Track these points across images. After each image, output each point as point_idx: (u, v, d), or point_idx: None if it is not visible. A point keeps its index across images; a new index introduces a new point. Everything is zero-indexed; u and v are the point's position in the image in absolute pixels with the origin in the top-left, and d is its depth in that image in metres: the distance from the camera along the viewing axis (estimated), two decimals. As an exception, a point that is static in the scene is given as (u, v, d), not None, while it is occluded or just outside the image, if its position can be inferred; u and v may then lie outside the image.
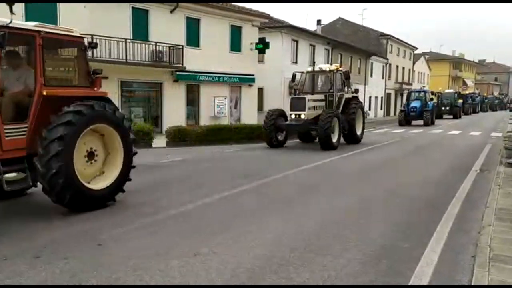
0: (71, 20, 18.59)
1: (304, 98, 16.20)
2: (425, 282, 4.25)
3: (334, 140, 15.71)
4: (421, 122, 31.89)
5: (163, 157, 13.60)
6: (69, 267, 4.58)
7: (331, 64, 17.65)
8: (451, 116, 43.58)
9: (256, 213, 6.85)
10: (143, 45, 20.79)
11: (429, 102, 34.03)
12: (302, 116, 15.93)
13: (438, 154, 15.12)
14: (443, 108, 44.04)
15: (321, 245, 5.29)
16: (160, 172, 11.07)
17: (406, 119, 32.52)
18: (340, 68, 17.73)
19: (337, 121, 15.96)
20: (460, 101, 48.08)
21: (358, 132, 18.17)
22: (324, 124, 15.14)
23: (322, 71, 18.10)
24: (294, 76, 18.09)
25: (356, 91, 19.43)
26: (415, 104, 33.12)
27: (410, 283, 4.22)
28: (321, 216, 6.62)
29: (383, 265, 4.68)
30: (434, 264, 4.68)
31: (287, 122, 16.59)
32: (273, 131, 16.50)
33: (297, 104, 16.17)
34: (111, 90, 19.87)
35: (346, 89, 18.03)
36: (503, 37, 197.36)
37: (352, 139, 17.70)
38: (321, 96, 17.21)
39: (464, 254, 5.01)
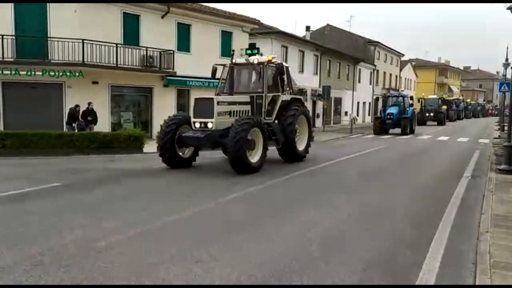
0: (62, 24, 18.49)
1: (212, 99, 11.54)
2: (428, 289, 4.28)
3: (255, 159, 11.49)
4: (398, 130, 28.37)
5: (156, 162, 13.48)
6: (69, 275, 4.51)
7: (261, 55, 12.81)
8: (436, 123, 42.54)
9: (252, 221, 6.83)
10: (134, 50, 20.68)
11: (408, 108, 30.09)
12: (210, 125, 11.34)
13: (428, 161, 15.29)
14: (427, 114, 43.36)
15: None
16: (156, 177, 10.99)
17: (382, 127, 28.66)
18: (274, 60, 12.98)
19: (259, 132, 11.62)
20: (445, 107, 47.35)
21: (300, 147, 13.84)
22: (235, 135, 10.70)
23: (247, 64, 13.28)
24: (214, 70, 13.54)
25: (301, 91, 15.87)
26: (392, 110, 29.11)
27: (413, 290, 4.24)
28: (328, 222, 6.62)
29: (386, 273, 4.70)
30: (436, 272, 4.72)
31: (186, 134, 11.87)
32: (171, 145, 11.89)
33: (202, 108, 11.59)
34: (101, 95, 19.91)
35: (283, 88, 13.41)
36: (487, 45, 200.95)
37: (291, 155, 13.38)
38: (244, 98, 12.68)
39: (465, 261, 5.06)
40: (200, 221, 6.76)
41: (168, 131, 11.85)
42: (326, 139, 24.63)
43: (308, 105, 35.89)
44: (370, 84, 51.18)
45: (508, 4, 14.08)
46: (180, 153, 12.32)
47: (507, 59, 28.13)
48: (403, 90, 54.58)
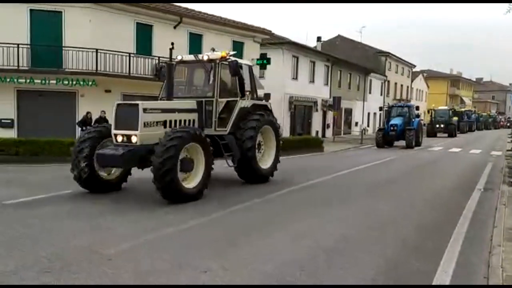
0: (76, 34, 18.81)
1: (136, 105, 8.75)
2: (439, 303, 4.23)
3: (192, 183, 8.84)
4: (403, 143, 26.53)
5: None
6: (78, 282, 4.54)
7: (213, 50, 10.67)
8: (446, 135, 41.01)
9: (259, 229, 6.82)
10: (147, 59, 20.93)
11: (413, 120, 28.09)
12: (134, 139, 8.67)
13: (440, 173, 15.15)
14: (437, 126, 42.00)
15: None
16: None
17: (385, 140, 26.83)
18: (229, 57, 10.38)
19: (199, 148, 8.92)
20: (455, 118, 46.16)
21: (265, 164, 11.42)
22: (161, 153, 8.13)
23: (196, 62, 10.82)
24: (159, 69, 11.49)
25: (266, 96, 12.96)
26: (396, 121, 27.09)
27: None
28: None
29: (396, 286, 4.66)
30: (447, 285, 4.67)
31: (100, 150, 9.07)
32: (88, 164, 9.11)
33: (124, 117, 8.97)
34: (114, 103, 20.06)
35: (242, 93, 10.78)
36: (500, 56, 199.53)
37: (251, 175, 11.01)
38: (188, 104, 10.10)
39: (477, 274, 5.00)
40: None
41: (82, 148, 9.12)
42: (336, 149, 24.58)
43: (319, 115, 36.13)
44: (381, 95, 51.07)
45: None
46: (103, 173, 9.59)
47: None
48: (409, 101, 54.00)
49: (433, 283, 4.69)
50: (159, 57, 21.16)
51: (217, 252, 5.55)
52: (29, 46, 18.57)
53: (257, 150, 11.09)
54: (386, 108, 30.02)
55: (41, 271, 4.78)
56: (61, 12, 19.07)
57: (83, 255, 5.37)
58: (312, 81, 34.86)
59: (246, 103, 10.96)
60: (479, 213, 8.30)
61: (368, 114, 47.15)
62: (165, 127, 9.15)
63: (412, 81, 63.53)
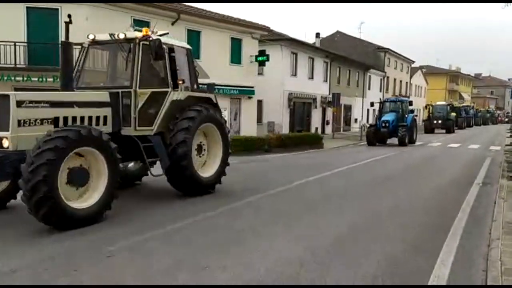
0: (73, 31, 18.70)
1: (7, 97, 6.60)
2: (438, 296, 4.22)
3: (87, 202, 6.73)
4: (396, 140, 25.11)
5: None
6: (78, 280, 4.53)
7: (133, 28, 8.70)
8: (444, 131, 40.57)
9: (261, 227, 6.81)
10: (144, 56, 20.84)
11: (407, 115, 26.52)
12: (5, 144, 6.53)
13: (439, 168, 15.15)
14: (435, 121, 41.48)
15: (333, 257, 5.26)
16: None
17: (376, 137, 25.33)
18: (152, 35, 8.25)
19: (98, 155, 6.88)
20: (454, 114, 45.65)
21: (208, 172, 9.32)
22: (32, 161, 6.09)
23: (113, 42, 8.49)
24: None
25: (210, 87, 10.77)
26: (388, 117, 25.58)
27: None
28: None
29: (396, 278, 4.65)
30: (446, 279, 4.66)
31: None
32: None
33: None
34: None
35: (175, 82, 8.60)
36: (499, 52, 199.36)
37: (187, 186, 8.85)
38: (98, 96, 7.93)
39: (475, 268, 4.99)
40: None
41: None
42: (336, 146, 24.59)
43: (318, 112, 36.11)
44: (380, 91, 51.01)
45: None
46: None
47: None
48: (408, 97, 53.53)
49: (432, 276, 4.68)
50: (157, 54, 21.09)
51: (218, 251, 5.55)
52: (26, 44, 18.51)
53: (197, 155, 9.10)
54: (379, 103, 28.64)
55: (41, 269, 4.78)
56: (57, 9, 18.98)
57: (84, 251, 5.38)
58: (311, 77, 34.82)
59: (179, 95, 8.70)
60: (478, 208, 8.30)
61: (368, 110, 47.09)
62: (57, 126, 6.85)
63: (411, 77, 63.45)
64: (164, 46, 8.07)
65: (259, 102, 29.07)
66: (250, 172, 13.46)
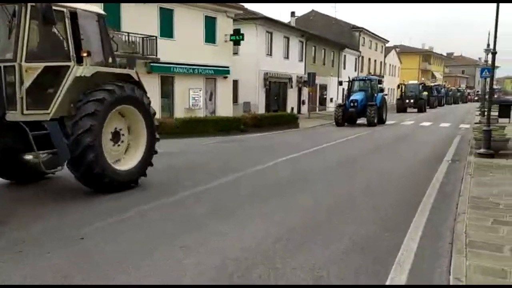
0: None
1: None
2: (406, 268, 4.39)
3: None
4: (364, 120, 24.42)
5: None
6: (52, 262, 4.51)
7: None
8: (416, 110, 40.97)
9: (237, 206, 6.89)
10: (115, 35, 20.33)
11: (376, 94, 25.92)
12: None
13: (411, 146, 15.52)
14: (407, 101, 41.69)
15: (306, 233, 5.39)
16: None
17: (345, 117, 24.56)
18: None
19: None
20: (425, 93, 45.98)
21: (127, 164, 7.90)
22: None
23: None
24: None
25: (130, 61, 9.30)
26: (357, 96, 25.02)
27: (392, 270, 4.34)
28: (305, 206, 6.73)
29: (367, 253, 4.81)
30: (414, 251, 4.85)
31: None
32: None
33: None
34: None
35: (78, 55, 7.13)
36: (471, 31, 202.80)
37: (96, 183, 7.31)
38: None
39: (442, 241, 5.20)
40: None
41: None
42: (311, 125, 24.82)
43: (294, 91, 36.18)
44: (355, 70, 51.36)
45: None
46: None
47: (488, 45, 28.50)
48: (382, 76, 53.79)
49: (401, 250, 4.85)
50: (128, 33, 20.63)
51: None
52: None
53: (114, 144, 7.71)
54: (348, 82, 27.70)
55: (14, 252, 4.74)
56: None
57: (56, 234, 5.35)
58: (286, 57, 34.74)
59: (85, 71, 7.15)
60: (447, 184, 8.57)
61: (343, 89, 47.41)
62: None
63: (385, 57, 64.06)
64: (59, 8, 6.77)
65: (235, 82, 28.91)
66: (222, 153, 13.52)
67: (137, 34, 20.96)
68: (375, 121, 23.89)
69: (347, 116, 24.60)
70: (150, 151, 8.23)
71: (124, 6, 20.87)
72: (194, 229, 5.56)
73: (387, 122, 25.95)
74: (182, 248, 4.90)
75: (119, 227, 5.65)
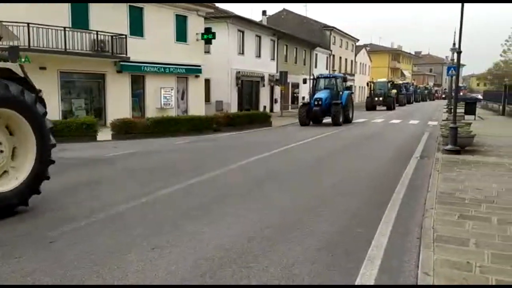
0: (7, 8, 17.52)
1: None
2: (377, 263, 4.48)
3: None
4: (330, 119, 23.50)
5: (110, 150, 13.21)
6: (21, 266, 4.39)
7: None
8: (385, 108, 41.19)
9: (210, 205, 6.86)
10: (84, 34, 19.92)
11: (342, 92, 25.08)
12: None
13: (380, 144, 15.82)
14: (376, 98, 41.79)
15: (279, 232, 5.42)
16: (111, 165, 10.76)
17: (310, 116, 23.57)
18: None
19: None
20: (394, 91, 46.33)
21: (9, 184, 6.10)
22: None
23: None
24: None
25: (12, 53, 8.66)
26: (321, 94, 23.93)
27: (363, 266, 4.42)
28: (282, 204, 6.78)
29: (339, 249, 4.89)
30: (384, 247, 4.95)
31: None
32: None
33: None
34: (50, 81, 19.11)
35: None
36: (437, 31, 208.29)
37: None
38: None
39: (411, 236, 5.33)
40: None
41: None
42: (284, 124, 24.95)
43: (266, 90, 36.30)
44: (327, 69, 51.94)
45: None
46: None
47: (454, 44, 29.33)
48: (353, 74, 54.18)
49: (371, 246, 4.95)
50: (97, 32, 20.23)
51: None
52: (-48, 20, 17.08)
53: None
54: (312, 79, 26.64)
55: (-24, 258, 4.58)
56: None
57: (26, 237, 5.20)
58: (258, 56, 34.81)
59: None
60: (415, 180, 8.79)
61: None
62: None
63: (356, 55, 65.05)
64: None
65: (207, 81, 28.78)
66: (195, 152, 13.45)
67: (106, 32, 20.58)
68: (341, 120, 23.23)
69: (312, 115, 23.70)
70: (42, 164, 6.44)
71: (92, 5, 20.45)
72: (167, 230, 5.51)
73: (354, 121, 25.70)
74: (154, 249, 4.85)
75: (92, 227, 5.54)
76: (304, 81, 31.21)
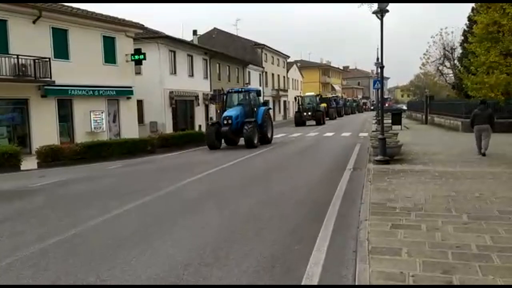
0: None
1: None
2: (315, 280, 4.46)
3: None
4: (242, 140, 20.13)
5: (36, 180, 12.38)
6: None
7: None
8: (314, 122, 40.21)
9: (147, 230, 6.57)
10: (3, 58, 18.73)
11: (257, 109, 21.76)
12: None
13: (314, 156, 16.18)
14: (305, 113, 40.73)
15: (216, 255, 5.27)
16: (35, 196, 10.04)
17: (220, 137, 20.26)
18: None
19: None
20: (324, 105, 45.96)
21: None
22: None
23: None
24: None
25: None
26: (231, 112, 20.48)
27: (302, 283, 4.39)
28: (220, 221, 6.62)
29: (277, 269, 4.83)
30: (322, 263, 4.96)
31: None
32: None
33: None
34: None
35: None
36: (362, 47, 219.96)
37: None
38: None
39: (347, 249, 5.40)
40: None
41: None
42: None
43: (201, 109, 36.09)
44: (260, 85, 52.73)
45: (367, 5, 15.09)
46: None
47: (377, 59, 31.00)
48: (286, 90, 54.44)
49: (309, 262, 4.94)
50: (18, 55, 19.11)
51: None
52: None
53: None
54: (222, 94, 23.60)
55: None
56: None
57: None
58: (191, 75, 34.63)
59: None
60: (350, 192, 9.00)
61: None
62: None
63: (287, 71, 66.74)
64: None
65: (139, 102, 28.09)
66: (129, 176, 12.98)
67: (28, 56, 19.49)
68: (255, 141, 19.91)
69: (223, 136, 20.42)
70: None
71: (12, 28, 19.35)
72: (101, 261, 5.16)
73: (275, 141, 22.64)
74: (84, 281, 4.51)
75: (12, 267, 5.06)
76: (212, 98, 27.34)
